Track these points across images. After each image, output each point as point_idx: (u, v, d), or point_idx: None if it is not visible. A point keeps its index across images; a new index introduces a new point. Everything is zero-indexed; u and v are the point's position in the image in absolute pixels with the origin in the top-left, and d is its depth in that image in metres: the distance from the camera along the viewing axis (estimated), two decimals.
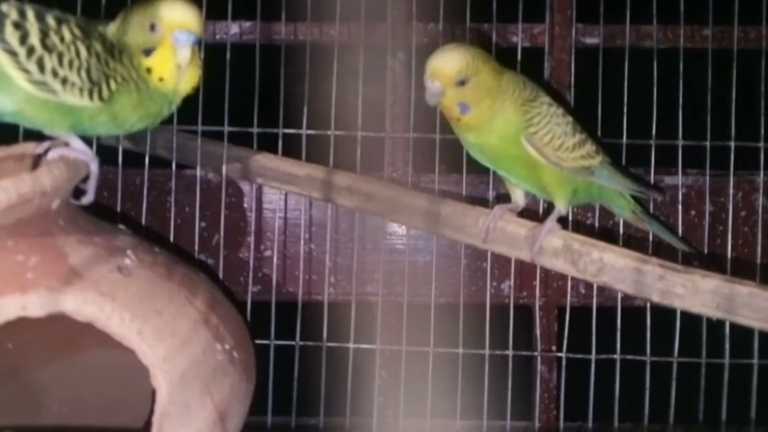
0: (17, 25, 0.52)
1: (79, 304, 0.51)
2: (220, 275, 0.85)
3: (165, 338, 0.54)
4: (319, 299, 0.88)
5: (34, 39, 0.53)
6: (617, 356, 0.83)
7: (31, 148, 0.65)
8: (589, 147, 0.70)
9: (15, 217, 0.50)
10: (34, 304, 0.49)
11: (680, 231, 0.85)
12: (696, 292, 0.62)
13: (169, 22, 0.57)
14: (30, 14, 0.53)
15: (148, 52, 0.58)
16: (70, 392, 0.78)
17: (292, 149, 0.85)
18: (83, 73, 0.53)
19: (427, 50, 0.87)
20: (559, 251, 0.67)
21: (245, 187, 0.89)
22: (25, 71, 0.52)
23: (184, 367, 0.54)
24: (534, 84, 0.70)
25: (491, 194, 0.87)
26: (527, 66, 0.87)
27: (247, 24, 0.90)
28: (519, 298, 0.89)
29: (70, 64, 0.53)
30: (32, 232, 0.52)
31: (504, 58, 0.86)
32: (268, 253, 0.89)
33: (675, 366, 0.82)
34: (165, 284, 0.59)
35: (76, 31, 0.55)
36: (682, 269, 0.62)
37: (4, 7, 0.52)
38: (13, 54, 0.52)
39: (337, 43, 0.87)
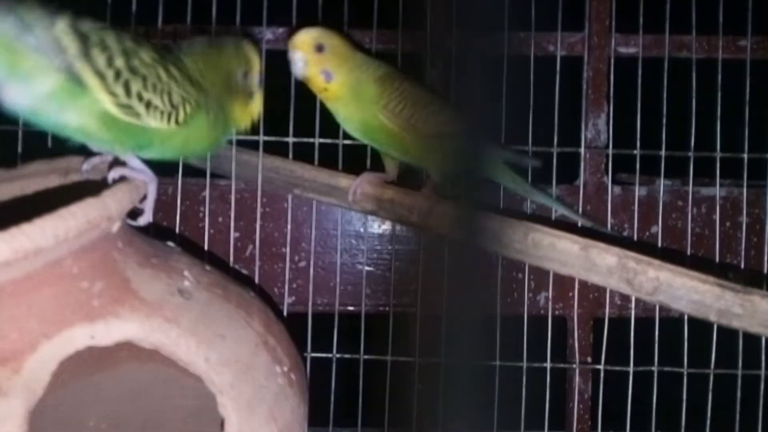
0: (103, 47, 0.51)
1: (147, 331, 0.50)
2: (255, 287, 0.84)
3: (230, 364, 0.53)
4: (355, 311, 0.87)
5: (120, 61, 0.51)
6: (655, 368, 0.83)
7: (76, 163, 0.63)
8: (449, 115, 0.75)
9: (80, 243, 0.48)
10: (101, 333, 0.48)
11: (717, 243, 0.85)
12: (755, 312, 0.62)
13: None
14: (110, 36, 0.51)
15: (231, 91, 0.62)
16: (107, 408, 0.77)
17: (328, 159, 0.84)
18: (165, 97, 0.52)
19: (464, 60, 0.87)
20: (614, 269, 0.66)
21: (280, 197, 0.87)
22: (113, 94, 0.51)
23: (249, 393, 0.53)
24: (393, 68, 0.76)
25: (527, 205, 0.86)
26: (565, 75, 0.87)
27: (281, 30, 0.89)
28: (555, 309, 0.89)
29: (154, 87, 0.52)
30: (95, 257, 0.50)
31: (541, 66, 0.86)
32: (303, 264, 0.88)
33: (711, 378, 0.82)
34: (224, 306, 0.57)
35: (154, 54, 0.53)
36: (740, 289, 0.62)
37: (86, 27, 0.50)
38: (101, 76, 0.50)
39: (374, 51, 0.86)
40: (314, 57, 0.71)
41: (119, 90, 0.51)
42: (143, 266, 0.54)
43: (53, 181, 0.63)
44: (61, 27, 0.49)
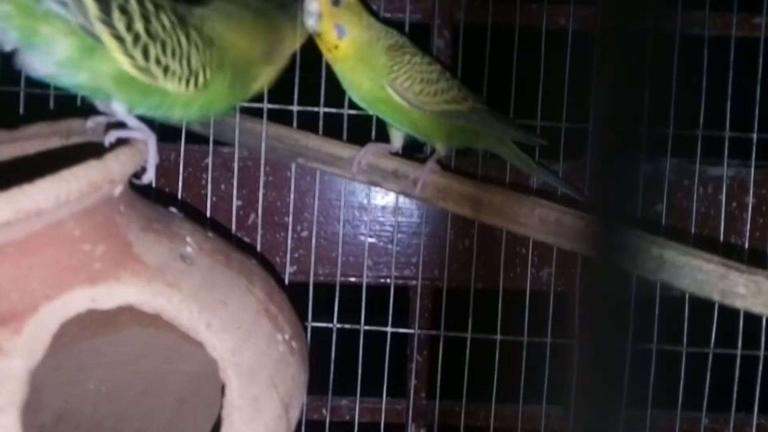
0: (123, 10, 0.51)
1: (148, 296, 0.50)
2: (257, 255, 0.84)
3: (232, 330, 0.53)
4: (357, 282, 0.87)
5: (139, 26, 0.52)
6: (653, 346, 0.83)
7: (78, 125, 0.62)
8: (456, 93, 0.75)
9: (82, 205, 0.48)
10: (103, 297, 0.48)
11: (722, 223, 0.85)
12: (758, 293, 0.61)
13: None
14: None
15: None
16: (107, 371, 0.77)
17: (333, 129, 0.83)
18: (184, 62, 0.53)
19: (472, 31, 0.86)
20: None
21: (283, 165, 0.87)
22: (131, 57, 0.51)
23: (251, 360, 0.53)
24: (405, 38, 0.75)
25: (533, 181, 0.86)
26: (575, 50, 0.85)
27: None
28: (557, 285, 0.88)
29: (173, 53, 0.53)
30: (97, 220, 0.50)
31: (552, 38, 0.85)
32: (305, 233, 0.88)
33: (711, 357, 0.82)
34: (226, 273, 0.57)
35: (174, 18, 0.53)
36: (744, 269, 0.62)
37: None
38: (120, 40, 0.51)
39: (382, 18, 0.84)
40: (330, 9, 0.69)
41: (137, 54, 0.52)
42: (145, 231, 0.54)
43: (55, 143, 0.62)
44: None
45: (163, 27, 0.53)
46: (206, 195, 0.84)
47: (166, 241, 0.55)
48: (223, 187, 0.86)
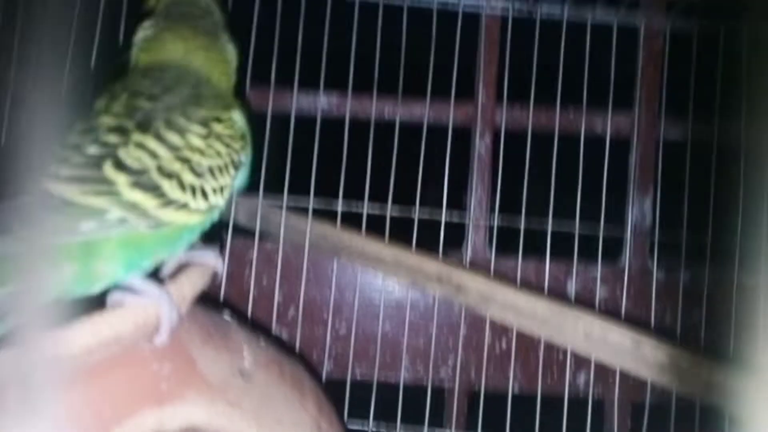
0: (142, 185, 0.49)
1: (211, 416, 0.50)
2: (296, 351, 0.84)
3: None
4: (393, 381, 0.86)
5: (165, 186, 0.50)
6: None
7: None
8: None
9: (154, 325, 0.49)
10: (170, 419, 0.48)
11: None
12: None
13: None
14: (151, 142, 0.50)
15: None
16: None
17: (376, 225, 0.85)
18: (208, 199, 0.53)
19: (512, 135, 0.88)
20: (665, 367, 0.66)
21: (324, 262, 0.88)
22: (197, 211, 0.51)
23: None
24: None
25: (571, 285, 0.87)
26: (617, 154, 0.88)
27: (336, 98, 0.90)
28: (595, 392, 0.88)
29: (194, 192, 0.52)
30: None
31: (590, 145, 0.87)
32: (343, 331, 0.88)
33: None
34: (281, 387, 0.57)
35: (198, 142, 0.52)
36: None
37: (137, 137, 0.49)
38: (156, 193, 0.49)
39: (425, 122, 0.88)
40: None
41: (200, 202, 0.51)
42: (206, 344, 0.55)
43: None
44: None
45: (184, 182, 0.51)
46: (249, 289, 0.85)
47: (226, 354, 0.55)
48: (265, 282, 0.87)
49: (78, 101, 0.54)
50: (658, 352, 0.66)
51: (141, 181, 0.48)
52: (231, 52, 0.61)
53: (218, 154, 0.53)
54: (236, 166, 0.55)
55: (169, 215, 0.49)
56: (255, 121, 0.60)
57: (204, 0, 0.60)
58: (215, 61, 0.58)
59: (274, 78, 0.85)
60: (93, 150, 0.48)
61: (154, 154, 0.49)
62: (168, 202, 0.49)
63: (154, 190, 0.48)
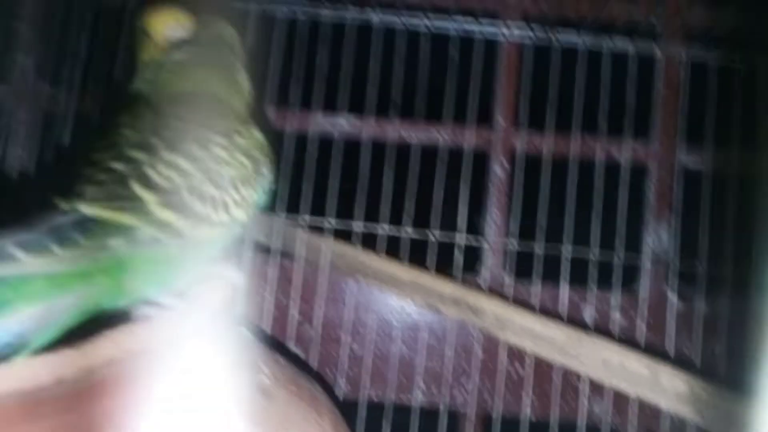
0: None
1: None
2: (312, 370, 0.84)
3: None
4: (407, 403, 0.86)
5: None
6: None
7: None
8: None
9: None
10: None
11: None
12: None
13: None
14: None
15: None
16: None
17: (394, 246, 0.85)
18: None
19: (530, 160, 0.89)
20: (683, 396, 0.65)
21: (343, 282, 0.88)
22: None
23: None
24: None
25: (589, 311, 0.86)
26: (634, 181, 0.88)
27: (356, 119, 0.91)
28: (613, 422, 0.87)
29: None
30: None
31: (610, 171, 0.88)
32: (359, 351, 0.88)
33: None
34: (299, 405, 0.57)
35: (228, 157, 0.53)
36: None
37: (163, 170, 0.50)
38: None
39: (446, 145, 0.88)
40: None
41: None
42: (227, 360, 0.55)
43: None
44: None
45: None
46: (265, 306, 0.86)
47: (248, 373, 0.55)
48: (283, 300, 0.88)
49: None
50: (676, 382, 0.65)
51: (172, 201, 0.49)
52: (245, 81, 0.63)
53: (242, 165, 0.54)
54: (258, 179, 0.56)
55: (196, 231, 0.50)
56: (276, 141, 0.62)
57: (228, 32, 0.62)
58: (235, 90, 0.60)
59: (298, 100, 0.87)
60: (117, 166, 0.49)
61: (185, 173, 0.50)
62: (199, 221, 0.50)
63: (186, 209, 0.49)
